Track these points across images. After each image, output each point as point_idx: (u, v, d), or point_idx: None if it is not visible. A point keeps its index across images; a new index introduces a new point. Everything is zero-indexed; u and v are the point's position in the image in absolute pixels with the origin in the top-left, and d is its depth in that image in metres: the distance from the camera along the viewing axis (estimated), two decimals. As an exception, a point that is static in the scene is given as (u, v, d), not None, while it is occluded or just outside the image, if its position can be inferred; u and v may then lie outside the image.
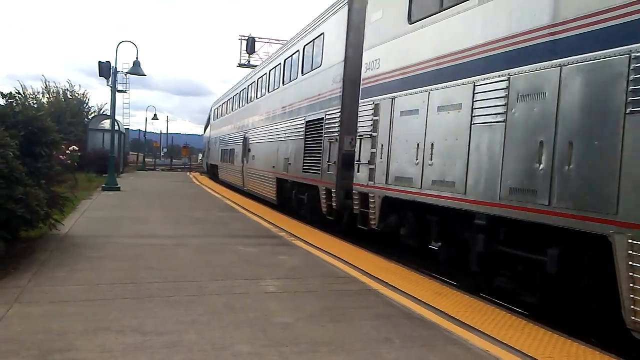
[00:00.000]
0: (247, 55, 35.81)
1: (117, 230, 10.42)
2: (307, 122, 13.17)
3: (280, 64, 16.89)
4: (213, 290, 6.11)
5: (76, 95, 40.83)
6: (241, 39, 36.51)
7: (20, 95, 9.91)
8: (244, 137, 21.78)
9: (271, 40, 35.58)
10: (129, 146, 50.45)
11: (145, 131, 57.62)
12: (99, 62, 22.42)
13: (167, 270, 7.05)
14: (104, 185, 19.79)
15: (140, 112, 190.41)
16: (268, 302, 5.74)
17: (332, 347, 4.49)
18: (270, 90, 18.26)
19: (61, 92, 40.12)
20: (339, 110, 11.04)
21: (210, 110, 38.46)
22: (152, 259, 7.69)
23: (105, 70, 22.43)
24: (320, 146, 11.89)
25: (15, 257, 7.24)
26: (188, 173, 44.35)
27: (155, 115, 51.50)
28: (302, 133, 13.42)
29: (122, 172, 32.27)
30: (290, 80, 15.40)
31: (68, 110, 35.86)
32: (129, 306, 5.34)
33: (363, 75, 9.92)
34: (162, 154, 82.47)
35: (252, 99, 21.59)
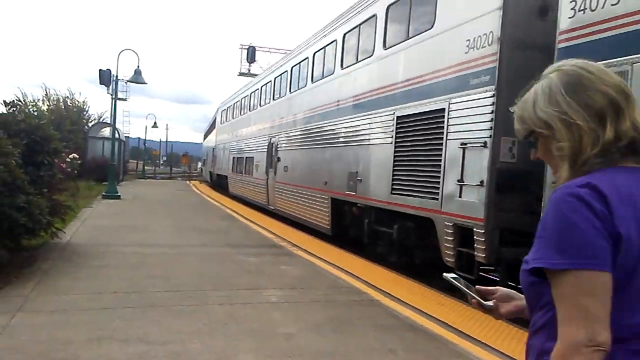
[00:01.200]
0: (248, 64, 35.93)
1: (119, 238, 10.41)
2: (397, 118, 8.92)
3: (335, 40, 12.20)
4: (216, 299, 6.11)
5: (76, 103, 40.89)
6: (242, 48, 36.64)
7: (21, 103, 9.94)
8: (270, 142, 17.33)
9: (272, 50, 35.72)
10: (129, 154, 50.43)
11: (145, 139, 57.68)
12: (100, 70, 22.56)
13: (170, 279, 7.04)
14: (104, 194, 19.77)
15: (140, 120, 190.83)
16: (271, 312, 5.74)
17: (335, 358, 4.49)
18: (315, 80, 13.58)
19: (61, 100, 40.18)
20: (491, 93, 6.59)
21: (217, 112, 34.33)
22: (154, 268, 7.68)
23: (106, 78, 22.54)
24: (438, 155, 7.60)
25: (18, 266, 7.24)
26: (188, 181, 44.32)
27: (155, 123, 51.53)
28: (389, 135, 9.12)
29: (122, 180, 32.24)
30: (358, 61, 10.83)
31: (68, 118, 35.85)
32: (133, 315, 5.34)
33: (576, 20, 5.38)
34: (161, 162, 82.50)
35: (283, 94, 16.75)
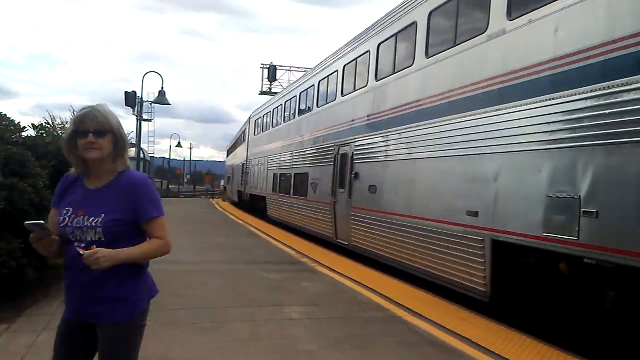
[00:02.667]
0: (269, 82, 36.31)
1: (142, 257, 10.52)
2: None
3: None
4: (238, 316, 6.14)
5: (103, 124, 41.79)
6: (263, 67, 37.10)
7: (49, 126, 10.24)
8: (338, 152, 12.82)
9: (292, 68, 36.08)
10: (154, 173, 51.23)
11: (170, 158, 58.61)
12: (125, 92, 22.99)
13: (193, 296, 7.11)
14: (129, 212, 20.06)
15: (165, 139, 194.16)
16: (292, 328, 5.74)
17: (356, 374, 4.46)
18: (430, 53, 8.80)
19: (88, 122, 41.10)
20: None
21: (246, 123, 30.49)
22: (177, 285, 7.76)
23: (131, 99, 22.99)
24: None
25: (45, 285, 7.39)
26: (211, 199, 44.74)
27: (179, 142, 52.40)
28: None
29: (146, 199, 32.59)
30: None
31: (95, 139, 36.65)
32: (155, 332, 5.38)
33: None
34: (185, 180, 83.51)
35: (362, 84, 11.82)
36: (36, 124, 9.21)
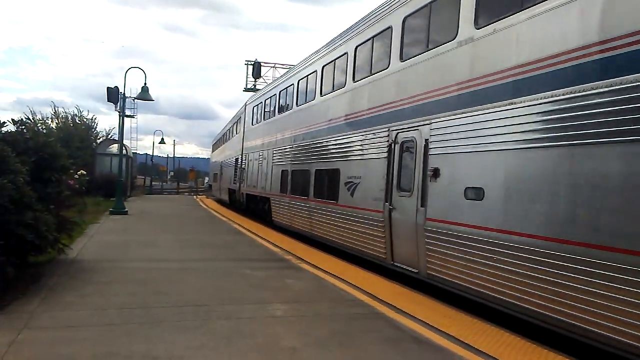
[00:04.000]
0: (254, 79, 36.17)
1: (125, 254, 10.45)
2: None
3: None
4: (221, 314, 6.11)
5: (85, 120, 41.31)
6: (247, 64, 36.94)
7: (30, 122, 10.09)
8: (396, 141, 9.40)
9: (277, 65, 35.96)
10: (137, 170, 50.74)
11: (153, 155, 58.05)
12: (108, 87, 22.68)
13: (176, 294, 7.06)
14: (111, 210, 19.89)
15: (148, 136, 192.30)
16: (276, 326, 5.73)
17: (340, 372, 4.47)
18: None
19: (70, 118, 40.62)
20: None
21: (243, 110, 25.70)
22: (160, 284, 7.70)
23: (114, 95, 22.70)
24: None
25: (24, 282, 7.28)
26: (195, 196, 44.47)
27: (162, 139, 51.96)
28: None
29: (129, 196, 32.39)
30: None
31: (76, 135, 36.21)
32: (138, 331, 5.35)
33: None
34: (169, 177, 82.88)
35: (446, 39, 8.16)
36: (16, 119, 9.05)
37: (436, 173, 7.99)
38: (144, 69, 20.95)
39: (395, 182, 9.27)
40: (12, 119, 8.91)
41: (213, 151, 45.73)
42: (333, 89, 12.94)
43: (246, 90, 36.96)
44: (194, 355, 4.68)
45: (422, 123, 8.53)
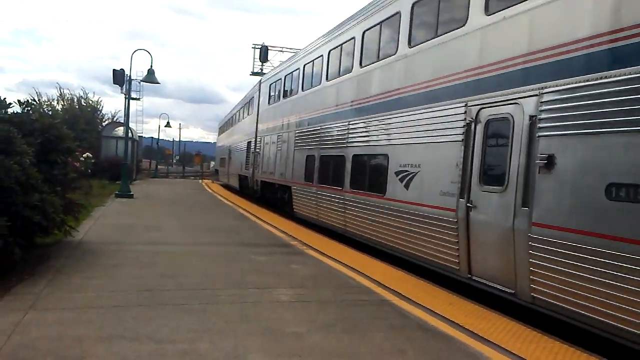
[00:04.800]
0: (261, 63, 35.95)
1: (131, 237, 10.48)
2: None
3: None
4: (226, 298, 6.12)
5: (90, 102, 41.33)
6: (254, 48, 36.69)
7: (35, 103, 10.06)
8: (478, 120, 7.39)
9: (284, 49, 35.73)
10: (142, 153, 50.82)
11: (159, 138, 58.06)
12: (114, 70, 22.60)
13: (181, 278, 7.07)
14: (117, 193, 19.93)
15: (154, 119, 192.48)
16: (281, 311, 5.73)
17: (345, 358, 4.47)
18: None
19: (75, 100, 40.63)
20: None
21: (258, 89, 23.18)
22: (165, 267, 7.72)
23: (120, 78, 22.63)
24: None
25: (31, 264, 7.31)
26: (200, 180, 44.56)
27: (168, 122, 51.91)
28: None
29: (135, 179, 32.49)
30: None
31: (82, 118, 36.29)
32: (143, 314, 5.37)
33: None
34: (174, 161, 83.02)
35: None
36: (22, 100, 9.02)
37: (550, 162, 5.88)
38: (150, 51, 20.85)
39: (476, 172, 7.18)
40: (18, 100, 8.88)
41: (220, 135, 44.61)
42: (378, 58, 10.74)
43: (253, 74, 36.77)
44: (199, 339, 4.69)
45: (524, 94, 6.41)
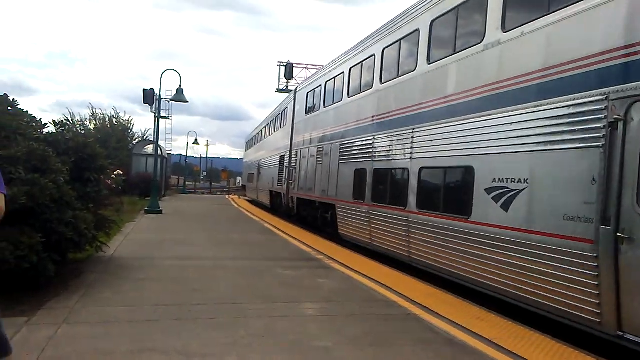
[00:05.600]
0: (286, 80, 36.38)
1: (160, 252, 10.66)
2: None
3: None
4: (254, 312, 6.17)
5: (121, 121, 42.35)
6: (279, 65, 37.20)
7: (69, 123, 10.40)
8: None
9: (309, 66, 36.08)
10: (171, 170, 51.70)
11: (187, 155, 59.03)
12: (144, 89, 23.19)
13: (209, 292, 7.16)
14: (146, 209, 20.31)
15: (182, 137, 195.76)
16: (308, 325, 5.75)
17: (372, 372, 4.46)
18: None
19: (107, 119, 41.71)
20: None
21: (294, 99, 21.23)
22: (194, 281, 7.83)
23: (150, 97, 23.20)
24: None
25: (64, 279, 7.50)
26: (227, 196, 44.98)
27: (196, 140, 52.79)
28: None
29: (164, 195, 33.03)
30: None
31: (114, 136, 37.22)
32: (173, 328, 5.46)
33: None
34: (202, 177, 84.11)
35: None
36: (57, 120, 9.34)
37: None
38: (178, 71, 21.32)
39: (630, 190, 5.30)
40: (53, 120, 9.21)
41: (247, 150, 44.15)
42: (454, 50, 8.87)
43: (278, 91, 37.23)
44: (228, 352, 4.74)
45: None
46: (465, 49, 8.45)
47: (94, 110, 42.16)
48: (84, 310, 6.02)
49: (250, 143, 41.29)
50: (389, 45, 11.66)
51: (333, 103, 15.54)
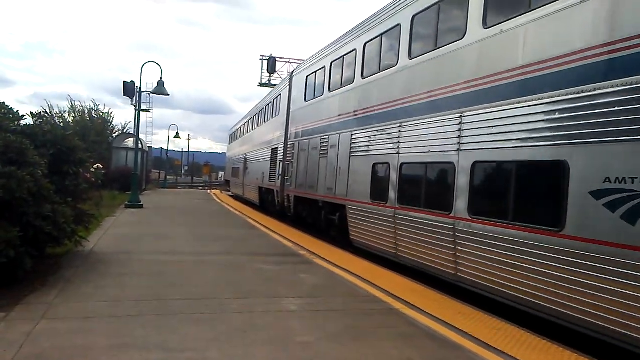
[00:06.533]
0: (269, 74, 36.22)
1: (141, 247, 10.54)
2: None
3: None
4: (235, 308, 6.14)
5: (101, 114, 41.74)
6: (262, 59, 36.99)
7: (47, 115, 10.21)
8: None
9: (291, 60, 35.95)
10: (152, 164, 51.15)
11: (168, 149, 58.43)
12: (124, 82, 22.88)
13: (190, 287, 7.11)
14: (127, 203, 20.07)
15: (163, 130, 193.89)
16: (289, 320, 5.75)
17: (354, 366, 4.47)
18: None
19: (86, 112, 41.06)
20: None
21: (288, 85, 19.05)
22: (175, 276, 7.76)
23: (130, 90, 22.90)
24: None
25: (42, 274, 7.38)
26: (208, 191, 44.72)
27: (177, 133, 52.26)
28: None
29: (144, 189, 32.67)
30: None
31: (93, 129, 36.66)
32: (153, 323, 5.40)
33: None
34: (183, 171, 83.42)
35: None
36: (35, 112, 9.17)
37: None
38: (159, 63, 21.06)
39: None
40: (31, 112, 9.04)
41: (231, 143, 42.09)
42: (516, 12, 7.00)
43: (261, 85, 37.05)
44: (208, 348, 4.71)
45: None
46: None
47: (73, 102, 41.46)
48: (62, 305, 5.93)
49: (234, 135, 38.96)
50: (425, 9, 9.33)
51: (341, 87, 13.29)
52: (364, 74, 11.81)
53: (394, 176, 9.84)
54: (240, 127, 34.75)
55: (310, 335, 5.24)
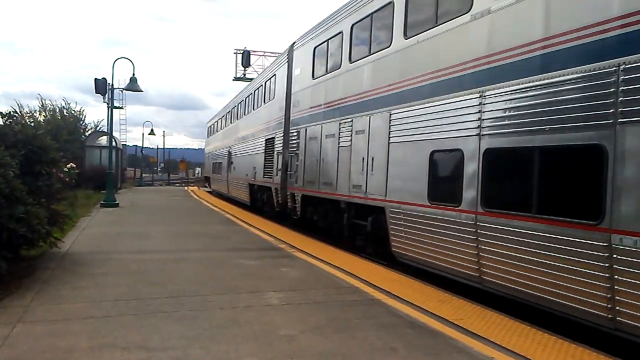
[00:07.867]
0: (243, 68, 35.90)
1: (118, 246, 10.40)
2: None
3: None
4: (217, 304, 6.11)
5: (73, 112, 40.90)
6: (236, 53, 36.63)
7: (17, 115, 9.97)
8: None
9: (266, 54, 35.72)
10: (127, 162, 50.40)
11: (142, 147, 57.64)
12: (95, 79, 22.46)
13: (170, 285, 7.04)
14: (102, 202, 19.76)
15: (137, 127, 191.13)
16: (272, 314, 5.74)
17: (337, 358, 4.50)
18: None
19: (57, 110, 40.18)
20: None
21: (286, 61, 16.06)
22: (154, 275, 7.68)
23: (102, 87, 22.47)
24: None
25: (17, 276, 7.23)
26: (185, 187, 44.31)
27: (152, 130, 51.53)
28: None
29: (120, 188, 32.20)
30: None
31: (65, 128, 35.88)
32: (134, 322, 5.34)
33: None
34: (159, 169, 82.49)
35: None
36: (4, 112, 8.93)
37: None
38: (131, 59, 20.71)
39: None
40: (1, 113, 8.80)
41: (209, 136, 39.24)
42: None
43: (236, 79, 36.72)
44: (190, 345, 4.68)
45: None
46: None
47: (43, 101, 40.50)
48: (39, 308, 5.82)
49: (214, 128, 35.84)
50: None
51: (370, 54, 10.38)
52: (407, 34, 8.92)
53: (473, 169, 6.97)
54: (221, 119, 32.24)
55: (293, 328, 5.25)
